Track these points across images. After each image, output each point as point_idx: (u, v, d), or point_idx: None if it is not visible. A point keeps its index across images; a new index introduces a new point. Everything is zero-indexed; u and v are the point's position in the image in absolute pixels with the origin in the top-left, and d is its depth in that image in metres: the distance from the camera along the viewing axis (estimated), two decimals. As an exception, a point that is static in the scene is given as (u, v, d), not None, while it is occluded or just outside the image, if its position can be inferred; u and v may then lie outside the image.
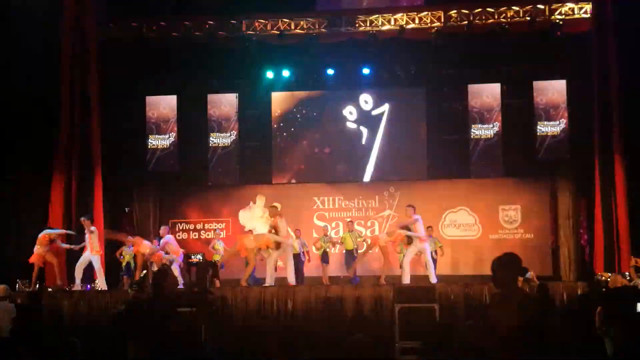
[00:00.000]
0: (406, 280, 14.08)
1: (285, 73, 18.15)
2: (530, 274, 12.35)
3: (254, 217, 18.20)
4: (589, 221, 16.41)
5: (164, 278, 7.42)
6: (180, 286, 13.36)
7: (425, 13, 17.02)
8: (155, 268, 14.52)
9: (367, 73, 18.08)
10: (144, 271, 15.69)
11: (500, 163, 17.78)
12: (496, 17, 16.77)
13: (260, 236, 13.74)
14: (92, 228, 14.42)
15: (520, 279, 12.24)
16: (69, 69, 16.07)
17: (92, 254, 14.34)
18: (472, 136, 17.84)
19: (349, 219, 17.19)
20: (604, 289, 11.98)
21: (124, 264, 16.00)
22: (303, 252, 16.41)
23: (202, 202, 18.68)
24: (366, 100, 18.52)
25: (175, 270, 14.28)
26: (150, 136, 18.34)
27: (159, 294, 7.32)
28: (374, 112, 18.47)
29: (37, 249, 14.35)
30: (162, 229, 15.62)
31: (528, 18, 16.65)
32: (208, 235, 17.95)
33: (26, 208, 15.62)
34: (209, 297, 9.38)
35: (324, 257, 16.60)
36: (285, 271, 14.39)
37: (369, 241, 17.15)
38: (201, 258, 15.33)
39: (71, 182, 15.95)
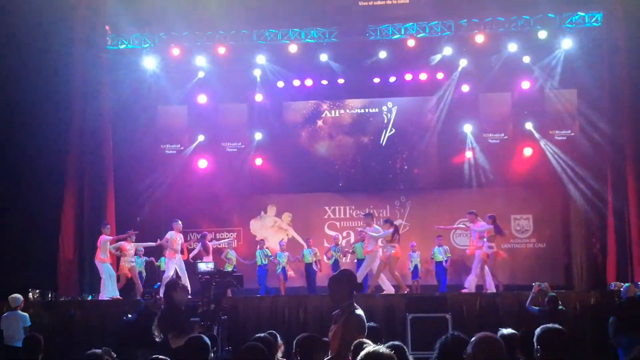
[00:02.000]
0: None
1: (296, 82, 18.17)
2: (544, 285, 12.33)
3: (265, 226, 18.33)
4: (601, 230, 16.31)
5: (173, 289, 7.46)
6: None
7: (436, 22, 17.03)
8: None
9: (377, 82, 18.08)
10: (159, 283, 15.70)
11: (511, 172, 17.72)
12: (506, 25, 16.77)
13: None
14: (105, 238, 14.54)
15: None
16: (81, 81, 16.17)
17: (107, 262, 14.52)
18: (483, 145, 17.80)
19: (360, 229, 17.13)
20: (617, 299, 11.91)
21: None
22: (315, 262, 16.47)
23: (212, 211, 18.70)
24: (377, 108, 18.53)
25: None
26: (161, 145, 18.41)
27: (170, 304, 7.36)
28: (385, 121, 18.47)
29: (123, 260, 14.97)
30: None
31: (538, 27, 16.65)
32: (219, 244, 17.89)
33: (39, 218, 15.66)
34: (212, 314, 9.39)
35: (335, 267, 16.57)
36: (298, 280, 14.51)
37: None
38: (212, 267, 15.25)
39: (83, 191, 16.03)
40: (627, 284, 12.27)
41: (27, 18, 14.91)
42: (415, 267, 16.52)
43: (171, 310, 7.27)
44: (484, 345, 3.94)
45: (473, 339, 4.02)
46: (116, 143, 16.93)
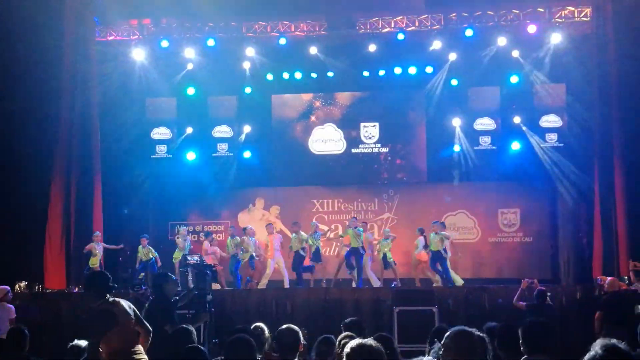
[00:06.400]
0: None
1: (285, 75, 18.12)
2: (534, 281, 12.40)
3: (254, 219, 18.30)
4: (588, 225, 16.39)
5: (165, 280, 7.45)
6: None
7: (426, 16, 17.03)
8: None
9: (367, 75, 18.05)
10: (142, 273, 15.69)
11: (499, 166, 17.77)
12: (496, 19, 16.81)
13: None
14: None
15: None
16: (69, 73, 16.09)
17: None
18: (472, 139, 17.83)
19: (354, 217, 16.56)
20: (602, 293, 11.97)
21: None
22: (303, 248, 15.83)
23: (201, 204, 18.65)
24: (366, 103, 18.50)
25: None
26: (149, 138, 18.33)
27: (159, 296, 7.35)
28: (373, 115, 18.44)
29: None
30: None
31: (528, 21, 16.68)
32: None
33: (26, 210, 15.58)
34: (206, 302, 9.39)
35: (316, 256, 16.01)
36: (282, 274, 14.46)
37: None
38: (198, 259, 15.18)
39: (71, 183, 15.97)
40: (610, 278, 12.32)
41: (15, 10, 14.81)
42: (385, 255, 15.71)
43: (161, 302, 7.26)
44: (458, 339, 4.05)
45: (448, 332, 4.14)
46: (104, 135, 16.87)
